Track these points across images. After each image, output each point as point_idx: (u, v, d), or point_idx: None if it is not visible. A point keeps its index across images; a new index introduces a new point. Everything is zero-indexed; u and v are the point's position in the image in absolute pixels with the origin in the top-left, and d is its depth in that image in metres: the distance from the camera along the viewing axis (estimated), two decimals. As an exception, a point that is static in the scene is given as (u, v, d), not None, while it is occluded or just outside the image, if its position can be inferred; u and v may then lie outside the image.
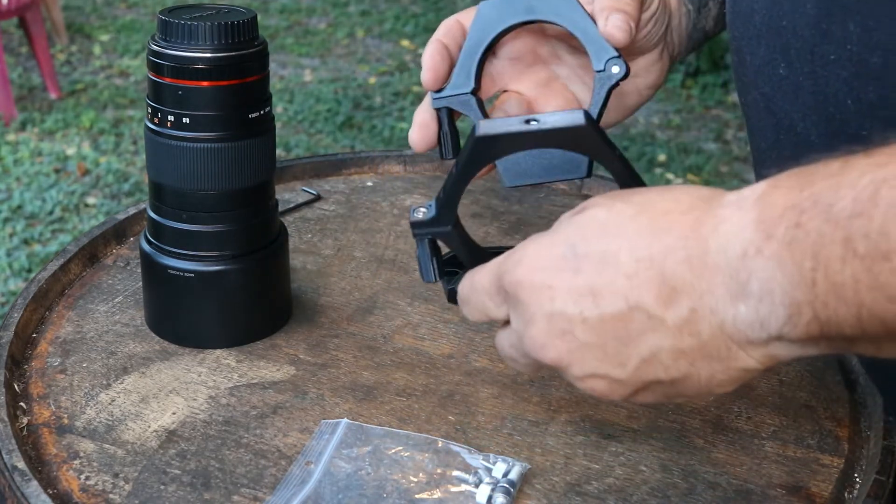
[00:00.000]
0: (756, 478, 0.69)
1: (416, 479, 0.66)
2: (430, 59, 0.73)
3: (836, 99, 0.70)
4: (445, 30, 0.75)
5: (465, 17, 0.75)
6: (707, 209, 0.52)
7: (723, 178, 3.58)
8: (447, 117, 0.75)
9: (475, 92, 0.73)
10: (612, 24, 0.70)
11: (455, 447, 0.69)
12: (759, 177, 0.83)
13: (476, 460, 0.68)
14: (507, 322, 0.61)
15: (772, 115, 0.77)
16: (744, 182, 3.53)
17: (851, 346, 0.51)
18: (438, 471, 0.67)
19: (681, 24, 0.83)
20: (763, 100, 0.78)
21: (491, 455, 0.68)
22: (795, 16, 0.71)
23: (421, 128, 0.75)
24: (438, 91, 0.74)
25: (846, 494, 0.68)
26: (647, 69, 0.81)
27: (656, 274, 0.53)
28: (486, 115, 0.74)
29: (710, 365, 0.54)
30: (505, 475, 0.66)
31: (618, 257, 0.54)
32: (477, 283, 0.62)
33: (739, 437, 0.73)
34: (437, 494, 0.65)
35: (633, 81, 0.80)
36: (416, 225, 0.65)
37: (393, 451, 0.69)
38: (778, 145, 0.78)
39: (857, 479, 0.69)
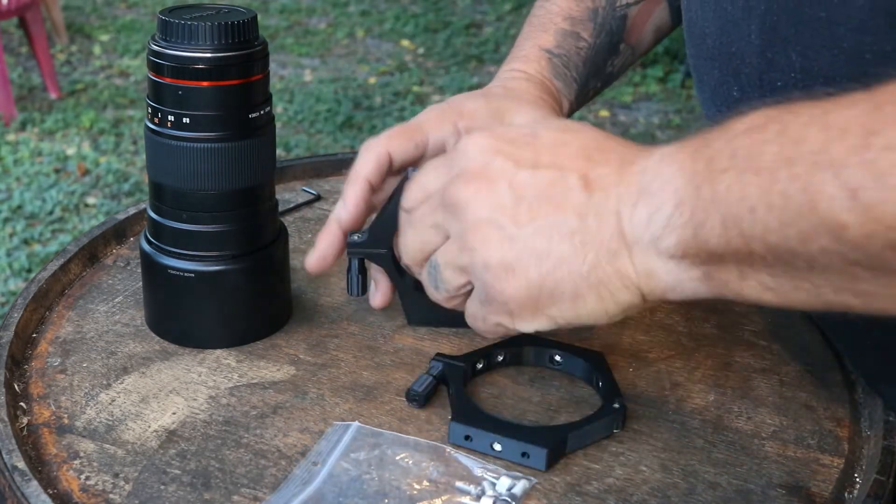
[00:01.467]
0: (756, 478, 0.69)
1: (418, 487, 0.66)
2: (353, 200, 0.77)
3: None
4: (375, 166, 0.77)
5: (398, 145, 0.78)
6: (645, 145, 0.61)
7: (723, 178, 3.58)
8: (359, 263, 0.80)
9: (391, 250, 0.77)
10: None
11: (462, 457, 0.69)
12: None
13: (482, 472, 0.68)
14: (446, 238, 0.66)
15: None
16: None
17: (717, 271, 0.56)
18: (442, 480, 0.67)
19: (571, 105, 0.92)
20: (721, 118, 0.81)
21: (498, 467, 0.68)
22: (742, 43, 0.74)
23: (321, 260, 0.78)
24: (354, 239, 0.78)
25: (846, 494, 0.68)
26: None
27: (591, 161, 0.61)
28: (399, 270, 0.78)
29: (596, 254, 0.59)
30: (509, 490, 0.66)
31: (569, 144, 0.62)
32: (424, 170, 0.68)
33: (739, 437, 0.73)
34: (437, 503, 0.65)
35: None
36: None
37: (399, 456, 0.69)
38: None
39: (857, 479, 0.69)
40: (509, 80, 0.88)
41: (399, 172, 0.78)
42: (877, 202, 0.47)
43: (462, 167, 0.63)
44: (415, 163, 0.78)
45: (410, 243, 0.68)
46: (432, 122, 0.79)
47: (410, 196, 0.68)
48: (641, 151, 0.60)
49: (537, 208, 0.60)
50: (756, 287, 0.55)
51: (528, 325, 0.63)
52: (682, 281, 0.58)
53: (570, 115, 0.92)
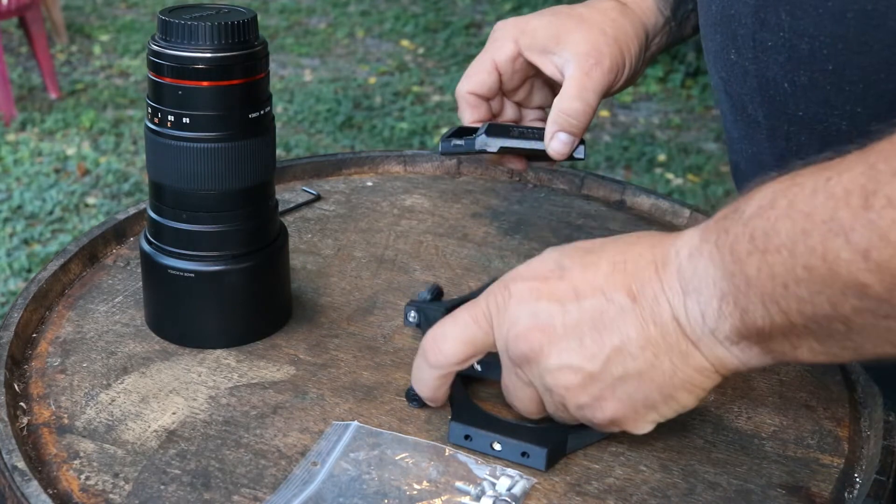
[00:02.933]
0: (756, 478, 0.69)
1: (418, 487, 0.66)
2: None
3: (775, 82, 0.79)
4: (471, 112, 0.93)
5: (476, 83, 0.92)
6: (668, 238, 0.63)
7: (723, 177, 3.58)
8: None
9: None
10: (555, 145, 0.89)
11: (462, 456, 0.69)
12: (729, 154, 0.94)
13: (482, 472, 0.68)
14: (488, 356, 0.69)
15: (729, 97, 0.85)
16: (744, 182, 3.53)
17: (771, 343, 0.58)
18: (442, 480, 0.67)
19: (660, 43, 0.95)
20: (722, 83, 0.86)
21: (498, 467, 0.68)
22: (739, 5, 0.79)
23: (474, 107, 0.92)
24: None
25: (846, 494, 0.68)
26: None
27: (628, 273, 0.62)
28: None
29: (671, 359, 0.62)
30: (509, 490, 0.66)
31: (598, 265, 0.63)
32: (457, 315, 0.68)
33: (739, 437, 0.73)
34: (437, 503, 0.65)
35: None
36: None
37: (399, 456, 0.69)
38: (736, 126, 0.87)
39: (857, 479, 0.69)
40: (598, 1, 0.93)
41: (494, 98, 0.92)
42: (887, 259, 0.50)
43: (511, 324, 0.65)
44: (498, 87, 0.92)
45: (519, 403, 0.70)
46: (497, 44, 0.91)
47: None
48: (667, 248, 0.62)
49: (600, 337, 0.62)
50: (808, 352, 0.58)
51: (638, 430, 0.66)
52: (748, 358, 0.61)
53: (665, 32, 0.95)
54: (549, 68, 0.89)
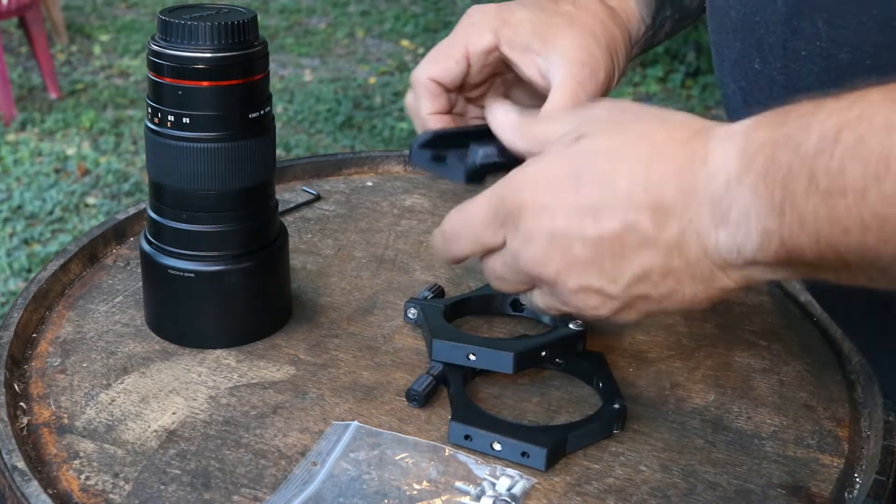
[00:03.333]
0: (756, 478, 0.69)
1: (418, 487, 0.66)
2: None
3: (809, 93, 0.72)
4: (430, 100, 0.81)
5: (441, 69, 0.81)
6: (700, 142, 0.57)
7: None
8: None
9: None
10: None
11: (462, 456, 0.69)
12: None
13: (482, 472, 0.68)
14: (496, 249, 0.65)
15: (748, 107, 0.79)
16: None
17: (814, 272, 0.56)
18: (442, 480, 0.67)
19: (636, 49, 0.89)
20: (741, 93, 0.81)
21: (498, 467, 0.68)
22: (767, 12, 0.74)
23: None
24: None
25: (846, 494, 0.68)
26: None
27: (652, 199, 0.57)
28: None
29: (693, 285, 0.59)
30: (509, 490, 0.66)
31: (617, 181, 0.58)
32: (471, 214, 0.65)
33: (739, 437, 0.73)
34: (437, 503, 0.65)
35: None
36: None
37: (399, 456, 0.69)
38: None
39: (857, 479, 0.69)
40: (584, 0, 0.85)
41: (454, 90, 0.82)
42: None
43: (525, 242, 0.62)
44: (462, 78, 0.81)
45: (506, 288, 0.67)
46: (474, 31, 0.81)
47: (493, 274, 0.67)
48: (696, 170, 0.57)
49: (620, 265, 0.59)
50: (835, 277, 0.55)
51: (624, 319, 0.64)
52: (779, 276, 0.58)
53: (643, 40, 0.89)
54: (530, 70, 0.80)
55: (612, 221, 0.58)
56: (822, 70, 0.71)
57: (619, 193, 0.58)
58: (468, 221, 0.65)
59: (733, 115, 0.83)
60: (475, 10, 0.82)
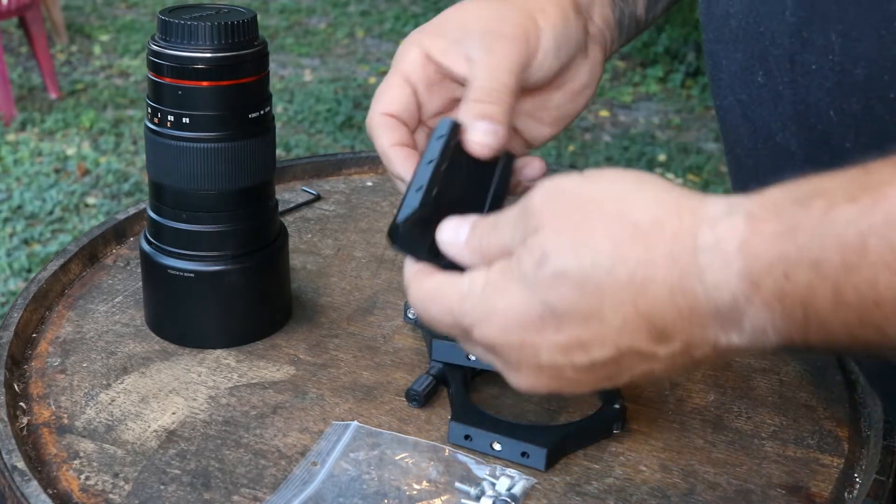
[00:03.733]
0: (756, 478, 0.69)
1: (418, 487, 0.66)
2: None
3: (818, 109, 0.69)
4: (389, 136, 0.69)
5: (397, 104, 0.70)
6: (686, 255, 0.50)
7: (723, 177, 3.58)
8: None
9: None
10: (476, 136, 0.65)
11: (462, 456, 0.69)
12: (736, 182, 0.82)
13: (482, 472, 0.68)
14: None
15: (749, 122, 0.75)
16: (744, 182, 3.53)
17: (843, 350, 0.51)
18: (442, 480, 0.67)
19: (604, 15, 0.78)
20: (740, 106, 0.76)
21: (498, 467, 0.68)
22: (773, 22, 0.69)
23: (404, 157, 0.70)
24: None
25: (846, 494, 0.68)
26: (573, 76, 0.75)
27: (645, 323, 0.51)
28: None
29: (696, 367, 0.55)
30: (509, 490, 0.66)
31: (602, 313, 0.51)
32: (434, 310, 0.57)
33: (739, 437, 0.73)
34: (436, 503, 0.65)
35: (560, 91, 0.75)
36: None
37: (399, 456, 0.69)
38: (756, 153, 0.76)
39: (857, 479, 0.69)
40: None
41: (413, 122, 0.71)
42: None
43: (512, 373, 0.56)
44: (414, 105, 0.71)
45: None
46: (402, 54, 0.72)
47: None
48: (692, 283, 0.49)
49: (619, 374, 0.54)
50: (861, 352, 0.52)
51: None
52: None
53: (604, 11, 0.79)
54: (460, 66, 0.70)
55: (604, 350, 0.52)
56: (834, 85, 0.67)
57: (608, 326, 0.51)
58: (431, 313, 0.58)
59: (730, 131, 0.79)
60: (409, 36, 0.74)
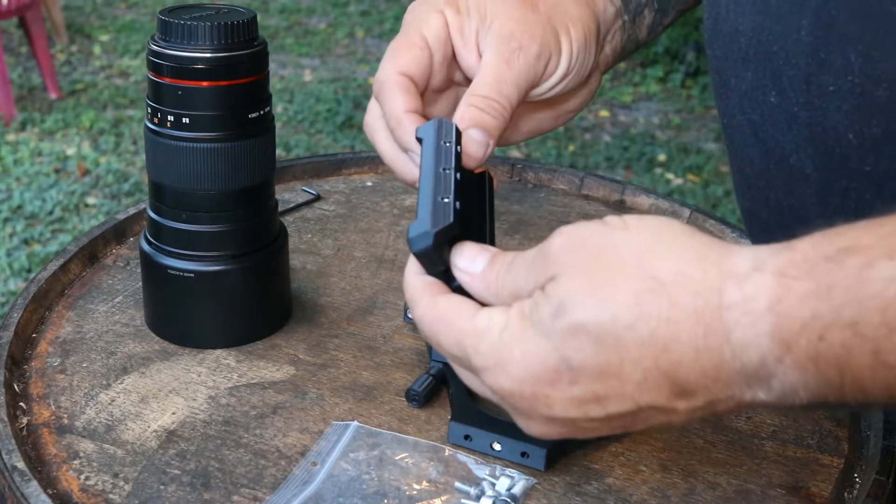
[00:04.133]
0: (756, 478, 0.69)
1: (418, 487, 0.66)
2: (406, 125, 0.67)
3: (836, 132, 0.66)
4: (405, 97, 0.66)
5: (408, 63, 0.67)
6: (711, 312, 0.48)
7: (723, 177, 3.58)
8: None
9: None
10: (466, 149, 0.64)
11: (461, 456, 0.69)
12: (743, 201, 0.80)
13: (482, 472, 0.68)
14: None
15: (760, 143, 0.73)
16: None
17: None
18: (442, 480, 0.67)
19: (615, 42, 0.79)
20: (750, 126, 0.74)
21: (498, 467, 0.68)
22: (788, 42, 0.67)
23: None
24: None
25: (846, 494, 0.68)
26: (568, 99, 0.75)
27: (667, 381, 0.49)
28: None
29: (717, 418, 0.54)
30: (508, 490, 0.66)
31: (621, 369, 0.49)
32: (443, 334, 0.56)
33: (739, 437, 0.73)
34: (436, 503, 0.65)
35: (549, 109, 0.75)
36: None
37: (399, 456, 0.69)
38: (767, 174, 0.74)
39: (857, 479, 0.69)
40: None
41: (422, 90, 0.69)
42: None
43: (525, 421, 0.55)
44: (429, 71, 0.69)
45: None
46: (423, 17, 0.69)
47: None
48: (719, 343, 0.48)
49: (634, 425, 0.53)
50: None
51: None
52: None
53: (616, 27, 0.78)
54: (470, 56, 0.68)
55: (622, 405, 0.51)
56: (853, 108, 0.65)
57: (627, 382, 0.50)
58: (439, 340, 0.56)
59: (739, 151, 0.77)
60: (417, 1, 0.71)
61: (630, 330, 0.49)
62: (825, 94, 0.65)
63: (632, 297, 0.49)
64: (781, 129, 0.70)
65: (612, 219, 0.53)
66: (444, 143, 0.62)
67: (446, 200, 0.58)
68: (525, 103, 0.73)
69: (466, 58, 0.68)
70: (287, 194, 1.06)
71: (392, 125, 0.67)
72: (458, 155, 0.62)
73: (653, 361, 0.49)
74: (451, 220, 0.57)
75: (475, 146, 0.65)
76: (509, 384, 0.53)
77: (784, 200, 0.72)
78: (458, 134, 0.64)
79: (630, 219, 0.53)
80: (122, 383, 0.76)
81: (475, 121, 0.65)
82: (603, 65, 0.78)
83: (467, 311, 0.55)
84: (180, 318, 0.81)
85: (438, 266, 0.57)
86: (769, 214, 0.74)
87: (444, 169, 0.60)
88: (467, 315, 0.55)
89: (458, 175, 0.60)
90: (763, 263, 0.48)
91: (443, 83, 0.71)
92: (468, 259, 0.57)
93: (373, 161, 1.13)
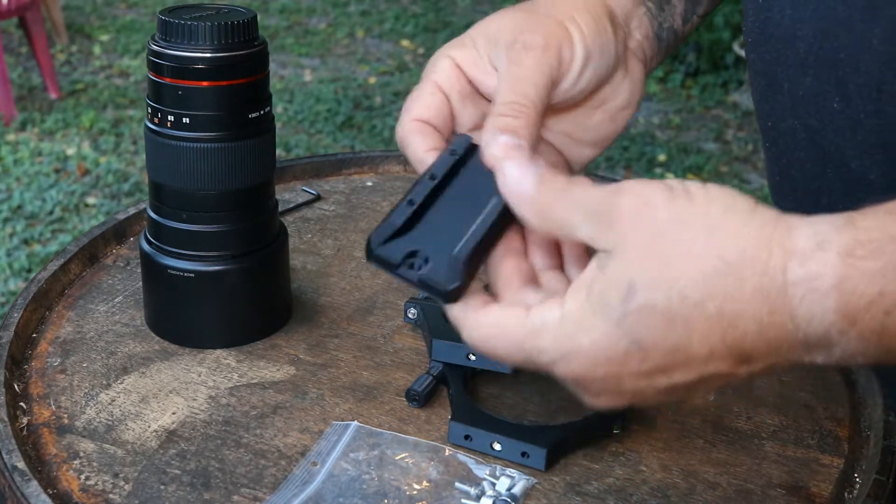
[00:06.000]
0: (756, 478, 0.69)
1: (418, 487, 0.66)
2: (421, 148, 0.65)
3: None
4: (422, 141, 0.64)
5: (427, 110, 0.65)
6: (777, 292, 0.49)
7: (723, 177, 3.58)
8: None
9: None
10: (494, 150, 0.59)
11: (462, 456, 0.69)
12: (785, 201, 0.79)
13: (482, 472, 0.68)
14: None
15: (818, 148, 0.73)
16: (743, 182, 3.53)
17: None
18: (442, 480, 0.67)
19: (643, 28, 0.75)
20: (806, 131, 0.73)
21: (498, 467, 0.68)
22: (857, 50, 0.66)
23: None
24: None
25: (846, 494, 0.68)
26: (613, 93, 0.72)
27: (731, 353, 0.51)
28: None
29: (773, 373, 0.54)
30: (508, 490, 0.66)
31: (689, 344, 0.51)
32: (500, 347, 0.55)
33: (739, 437, 0.73)
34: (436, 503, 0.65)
35: (600, 110, 0.72)
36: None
37: (399, 456, 0.69)
38: (822, 178, 0.74)
39: (857, 479, 0.69)
40: None
41: (446, 132, 0.66)
42: None
43: (590, 394, 0.56)
44: (448, 113, 0.67)
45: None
46: (434, 64, 0.68)
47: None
48: (784, 316, 0.49)
49: (696, 390, 0.54)
50: None
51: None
52: None
53: (637, 13, 0.75)
54: (489, 79, 0.66)
55: (687, 375, 0.52)
56: None
57: (694, 356, 0.51)
58: (497, 353, 0.56)
59: (786, 153, 0.76)
60: (439, 50, 0.70)
61: (698, 307, 0.50)
62: None
63: (700, 276, 0.50)
64: (844, 136, 0.70)
65: (676, 185, 0.53)
66: (447, 153, 0.61)
67: (408, 204, 0.58)
68: (573, 110, 0.70)
69: (489, 83, 0.67)
70: (287, 194, 1.06)
71: (418, 168, 0.67)
72: (467, 165, 0.61)
73: (719, 336, 0.50)
74: (399, 223, 0.56)
75: (502, 148, 0.61)
76: (582, 370, 0.54)
77: (839, 205, 0.70)
78: (472, 147, 0.62)
79: (694, 189, 0.53)
80: (122, 383, 0.76)
81: (498, 126, 0.62)
82: (639, 52, 0.75)
83: (514, 316, 0.55)
84: (180, 318, 0.81)
85: (395, 265, 0.56)
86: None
87: (430, 178, 0.60)
88: (517, 320, 0.55)
89: (449, 183, 0.59)
90: (826, 241, 0.49)
91: (478, 118, 0.68)
92: (516, 178, 0.56)
93: (373, 161, 1.13)
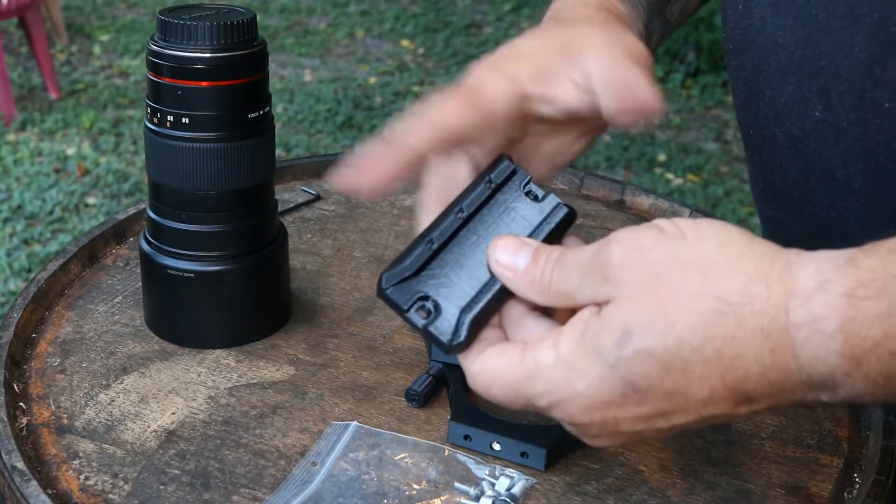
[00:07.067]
0: (756, 478, 0.69)
1: (418, 487, 0.66)
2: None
3: (890, 148, 0.66)
4: (429, 139, 0.59)
5: (452, 112, 0.59)
6: (779, 332, 0.48)
7: (723, 177, 3.58)
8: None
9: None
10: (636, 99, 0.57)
11: (461, 456, 0.69)
12: (768, 208, 0.78)
13: (481, 472, 0.68)
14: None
15: (801, 156, 0.72)
16: (743, 182, 3.53)
17: None
18: (441, 480, 0.67)
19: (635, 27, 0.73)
20: (788, 139, 0.73)
21: (497, 467, 0.68)
22: (838, 57, 0.66)
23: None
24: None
25: (846, 494, 0.68)
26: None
27: (733, 394, 0.50)
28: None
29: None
30: (508, 490, 0.66)
31: (688, 387, 0.50)
32: (499, 392, 0.55)
33: (739, 437, 0.73)
34: (436, 503, 0.65)
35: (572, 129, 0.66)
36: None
37: (399, 456, 0.69)
38: (805, 187, 0.73)
39: (857, 479, 0.69)
40: (569, 8, 0.68)
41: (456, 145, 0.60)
42: None
43: (587, 437, 0.56)
44: (474, 132, 0.60)
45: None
46: (484, 79, 0.61)
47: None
48: (787, 357, 0.48)
49: (696, 428, 0.53)
50: None
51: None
52: None
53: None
54: (563, 89, 0.60)
55: (687, 418, 0.52)
56: None
57: (693, 399, 0.50)
58: (497, 397, 0.56)
59: (769, 161, 0.76)
60: (475, 67, 0.62)
61: (697, 351, 0.49)
62: (880, 110, 0.64)
63: (697, 318, 0.49)
64: (827, 144, 0.69)
65: (666, 225, 0.52)
66: (484, 182, 0.59)
67: (427, 245, 0.57)
68: (551, 128, 0.65)
69: (559, 92, 0.61)
70: (287, 194, 1.06)
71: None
72: (504, 190, 0.59)
73: (719, 378, 0.49)
74: (416, 267, 0.56)
75: (642, 91, 0.59)
76: (578, 414, 0.53)
77: (823, 213, 0.71)
78: (514, 172, 0.60)
79: (685, 226, 0.52)
80: (121, 383, 0.76)
81: (628, 77, 0.59)
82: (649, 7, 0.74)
83: (509, 361, 0.54)
84: (180, 318, 0.81)
85: (404, 307, 0.56)
86: (801, 225, 0.74)
87: (458, 212, 0.58)
88: (511, 366, 0.54)
89: (476, 216, 0.58)
90: (828, 281, 0.48)
91: (488, 149, 0.62)
92: (510, 254, 0.56)
93: (373, 161, 1.13)
